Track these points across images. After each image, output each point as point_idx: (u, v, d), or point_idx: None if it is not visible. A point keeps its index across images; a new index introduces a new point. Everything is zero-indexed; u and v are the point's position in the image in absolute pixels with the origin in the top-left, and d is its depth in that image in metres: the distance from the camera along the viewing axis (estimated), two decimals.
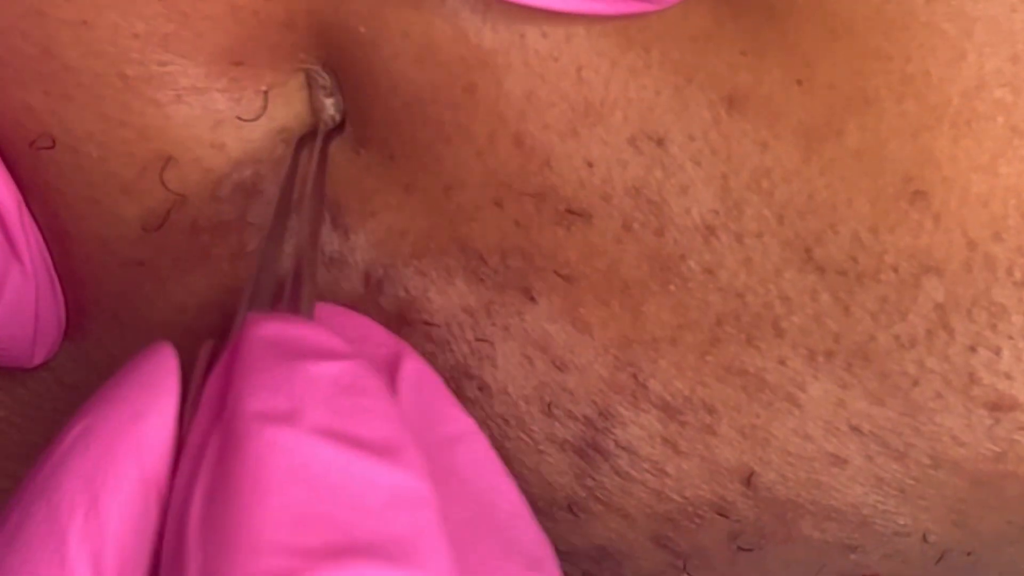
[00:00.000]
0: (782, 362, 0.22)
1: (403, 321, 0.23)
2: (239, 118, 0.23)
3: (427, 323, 0.23)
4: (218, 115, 0.22)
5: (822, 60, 0.20)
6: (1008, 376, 0.21)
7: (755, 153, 0.21)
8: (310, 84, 0.23)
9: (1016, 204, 0.20)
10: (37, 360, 0.25)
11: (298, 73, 0.23)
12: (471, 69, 0.21)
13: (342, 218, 0.23)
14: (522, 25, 0.21)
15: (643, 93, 0.21)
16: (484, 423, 0.24)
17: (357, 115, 0.23)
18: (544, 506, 0.25)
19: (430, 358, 0.23)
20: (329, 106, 0.23)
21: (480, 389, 0.23)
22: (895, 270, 0.21)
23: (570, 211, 0.22)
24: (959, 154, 0.20)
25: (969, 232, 0.20)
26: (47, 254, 0.24)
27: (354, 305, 0.24)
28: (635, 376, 0.22)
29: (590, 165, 0.21)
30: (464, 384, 0.23)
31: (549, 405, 0.23)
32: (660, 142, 0.21)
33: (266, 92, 0.23)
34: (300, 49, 0.22)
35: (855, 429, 0.22)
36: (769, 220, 0.21)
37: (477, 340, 0.23)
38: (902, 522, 0.24)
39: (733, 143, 0.21)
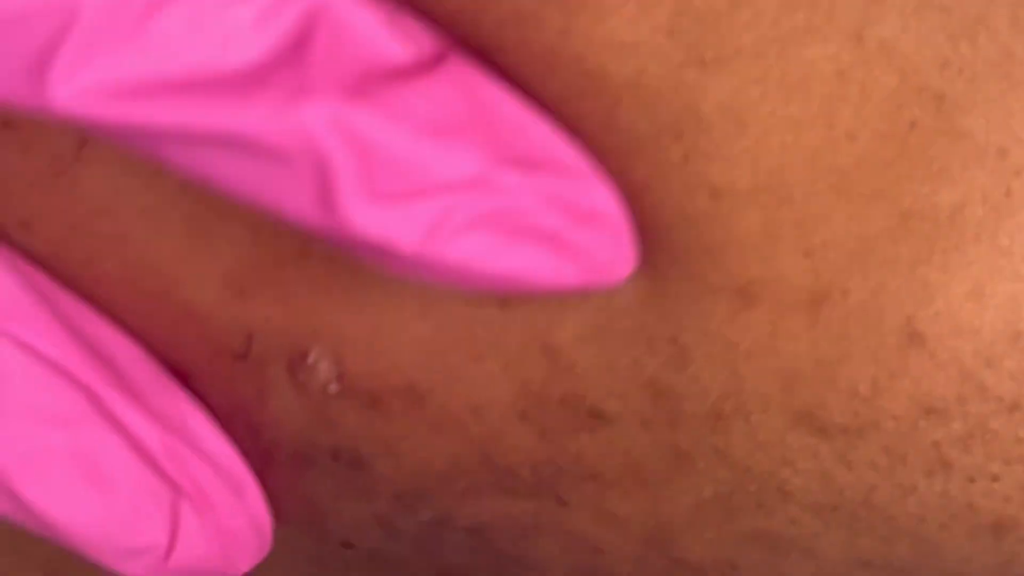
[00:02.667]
0: (792, 521, 0.22)
1: (441, 526, 0.24)
2: None
3: (465, 528, 0.24)
4: None
5: (826, 222, 0.20)
6: (1006, 499, 0.21)
7: (765, 336, 0.21)
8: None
9: (1003, 328, 0.20)
10: None
11: None
12: None
13: (359, 458, 0.23)
14: None
15: (658, 299, 0.21)
16: None
17: None
18: None
19: (472, 553, 0.25)
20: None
21: (526, 568, 0.25)
22: (895, 418, 0.21)
23: (591, 415, 0.22)
24: (951, 283, 0.20)
25: (964, 364, 0.20)
26: None
27: (389, 518, 0.24)
28: (662, 551, 0.23)
29: (611, 369, 0.22)
30: (508, 566, 0.25)
31: (590, 572, 0.25)
32: (674, 341, 0.21)
33: None
34: None
35: (866, 564, 0.23)
36: (775, 395, 0.21)
37: (516, 537, 0.24)
38: None
39: (747, 332, 0.21)
